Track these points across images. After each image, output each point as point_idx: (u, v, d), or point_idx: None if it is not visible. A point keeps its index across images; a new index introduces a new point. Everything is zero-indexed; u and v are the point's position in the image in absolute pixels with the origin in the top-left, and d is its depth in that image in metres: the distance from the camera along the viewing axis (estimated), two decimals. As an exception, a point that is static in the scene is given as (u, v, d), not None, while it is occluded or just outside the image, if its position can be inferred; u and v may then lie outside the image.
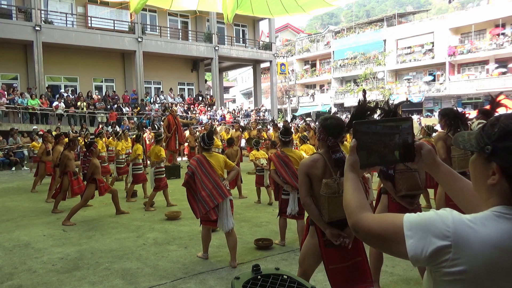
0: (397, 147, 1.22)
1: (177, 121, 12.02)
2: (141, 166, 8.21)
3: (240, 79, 48.46)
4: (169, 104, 20.65)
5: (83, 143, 12.35)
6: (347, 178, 1.21)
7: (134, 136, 9.24)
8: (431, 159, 1.20)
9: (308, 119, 27.95)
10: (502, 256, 0.86)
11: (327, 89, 36.60)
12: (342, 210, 2.58)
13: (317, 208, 2.62)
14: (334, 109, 33.66)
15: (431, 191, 6.20)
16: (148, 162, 9.10)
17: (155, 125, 18.26)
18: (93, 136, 13.86)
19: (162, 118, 16.91)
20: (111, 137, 12.94)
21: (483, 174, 0.97)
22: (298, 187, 2.72)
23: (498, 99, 4.10)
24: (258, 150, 7.99)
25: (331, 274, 2.62)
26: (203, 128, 16.76)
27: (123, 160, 9.62)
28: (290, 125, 16.22)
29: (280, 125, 16.61)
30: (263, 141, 13.54)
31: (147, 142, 13.65)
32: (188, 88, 25.74)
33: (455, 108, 4.28)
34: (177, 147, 12.02)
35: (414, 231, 0.94)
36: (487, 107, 4.76)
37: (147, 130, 15.84)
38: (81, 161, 6.74)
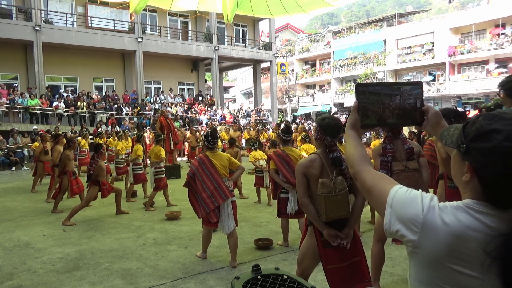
0: (398, 109, 1.24)
1: (169, 121, 12.09)
2: (141, 166, 8.20)
3: (240, 79, 48.45)
4: (161, 104, 20.71)
5: (84, 143, 12.37)
6: (348, 135, 1.28)
7: (135, 136, 9.24)
8: (436, 121, 1.24)
9: (308, 122, 27.93)
10: (463, 244, 0.90)
11: (327, 89, 36.58)
12: (339, 210, 2.60)
13: (314, 208, 2.62)
14: (334, 109, 33.66)
15: (430, 191, 6.20)
16: (148, 162, 9.10)
17: (155, 125, 18.26)
18: (93, 136, 13.89)
19: (153, 120, 16.93)
20: (111, 137, 12.94)
21: (460, 170, 1.01)
22: (296, 188, 2.73)
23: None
24: (256, 150, 8.01)
25: (329, 274, 2.62)
26: (207, 128, 16.78)
27: (123, 160, 9.62)
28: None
29: (282, 125, 16.62)
30: (264, 141, 13.57)
31: (147, 142, 13.64)
32: (188, 88, 25.74)
33: (455, 107, 4.28)
34: (172, 147, 12.06)
35: (393, 209, 1.00)
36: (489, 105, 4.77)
37: (147, 130, 15.84)
38: (89, 163, 6.76)
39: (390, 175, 3.18)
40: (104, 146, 6.75)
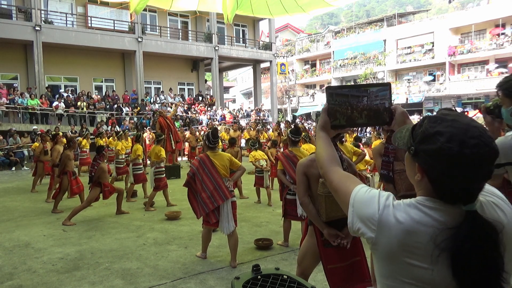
0: (366, 110, 1.29)
1: (168, 121, 12.08)
2: (141, 166, 8.21)
3: (240, 79, 48.44)
4: (161, 104, 20.71)
5: (85, 143, 12.37)
6: (319, 137, 1.34)
7: (134, 136, 9.25)
8: (402, 120, 1.27)
9: (308, 122, 27.94)
10: (414, 239, 0.96)
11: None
12: (339, 209, 2.61)
13: (315, 208, 2.62)
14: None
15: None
16: (148, 162, 9.10)
17: (155, 126, 18.25)
18: (93, 137, 13.89)
19: (152, 121, 16.90)
20: (111, 137, 12.93)
21: (412, 170, 1.07)
22: (296, 187, 2.74)
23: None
24: (256, 150, 8.01)
25: (329, 274, 2.62)
26: (207, 128, 16.77)
27: (123, 160, 9.62)
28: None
29: (282, 125, 16.61)
30: (264, 141, 13.57)
31: (147, 142, 13.64)
32: (188, 88, 25.73)
33: (453, 108, 4.27)
34: (174, 147, 12.05)
35: (354, 208, 1.07)
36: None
37: (147, 130, 15.84)
38: (91, 164, 6.77)
39: (392, 175, 3.18)
40: (106, 147, 6.74)
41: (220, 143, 12.10)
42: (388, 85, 1.31)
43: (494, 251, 0.92)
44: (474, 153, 0.92)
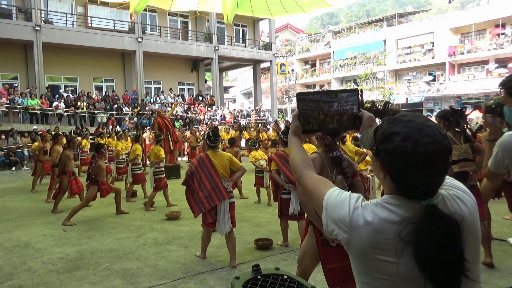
0: (337, 115, 1.34)
1: (167, 121, 12.08)
2: (141, 166, 8.19)
3: (240, 79, 48.43)
4: (161, 104, 20.70)
5: (85, 143, 12.37)
6: (291, 142, 1.40)
7: (133, 136, 9.26)
8: (369, 125, 1.33)
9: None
10: (382, 236, 1.02)
11: (327, 89, 36.60)
12: None
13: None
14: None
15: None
16: (148, 162, 9.10)
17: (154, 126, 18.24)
18: (93, 137, 13.89)
19: (152, 121, 16.89)
20: (110, 137, 12.94)
21: (376, 169, 1.12)
22: (296, 186, 2.76)
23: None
24: (256, 150, 8.01)
25: (328, 273, 2.64)
26: (207, 128, 16.77)
27: (123, 160, 9.62)
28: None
29: (281, 125, 16.61)
30: (265, 140, 13.56)
31: (147, 142, 13.65)
32: (188, 88, 25.73)
33: (451, 107, 4.26)
34: (172, 147, 12.05)
35: (327, 211, 1.12)
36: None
37: (147, 130, 15.83)
38: (89, 162, 6.79)
39: None
40: (105, 146, 6.74)
41: (220, 144, 12.11)
42: (356, 91, 1.36)
43: (453, 241, 0.97)
44: (427, 150, 0.98)
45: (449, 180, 1.12)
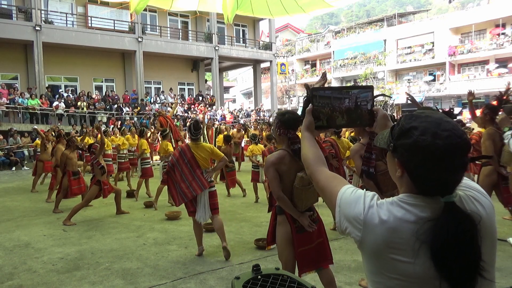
0: (348, 112, 1.33)
1: (169, 120, 12.10)
2: (149, 160, 8.49)
3: (240, 79, 48.41)
4: (161, 104, 20.71)
5: (86, 140, 12.38)
6: (304, 137, 1.38)
7: (138, 131, 9.42)
8: (383, 123, 1.33)
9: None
10: (397, 236, 1.01)
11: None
12: (312, 198, 2.76)
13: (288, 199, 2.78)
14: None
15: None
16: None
17: (154, 125, 18.23)
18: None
19: (155, 123, 16.90)
20: (112, 136, 12.95)
21: (393, 168, 1.11)
22: (269, 183, 2.85)
23: (505, 95, 4.13)
24: (256, 144, 8.11)
25: (299, 256, 2.79)
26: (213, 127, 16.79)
27: (124, 155, 9.71)
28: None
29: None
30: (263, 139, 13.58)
31: (149, 141, 13.64)
32: (188, 88, 25.74)
33: (448, 108, 4.28)
34: (174, 145, 12.08)
35: (341, 209, 1.11)
36: (494, 103, 4.78)
37: (149, 129, 15.83)
38: (90, 164, 6.91)
39: (375, 173, 3.26)
40: (96, 145, 6.83)
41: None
42: (370, 88, 1.34)
43: (471, 241, 0.96)
44: (446, 144, 0.98)
45: (465, 181, 1.11)
